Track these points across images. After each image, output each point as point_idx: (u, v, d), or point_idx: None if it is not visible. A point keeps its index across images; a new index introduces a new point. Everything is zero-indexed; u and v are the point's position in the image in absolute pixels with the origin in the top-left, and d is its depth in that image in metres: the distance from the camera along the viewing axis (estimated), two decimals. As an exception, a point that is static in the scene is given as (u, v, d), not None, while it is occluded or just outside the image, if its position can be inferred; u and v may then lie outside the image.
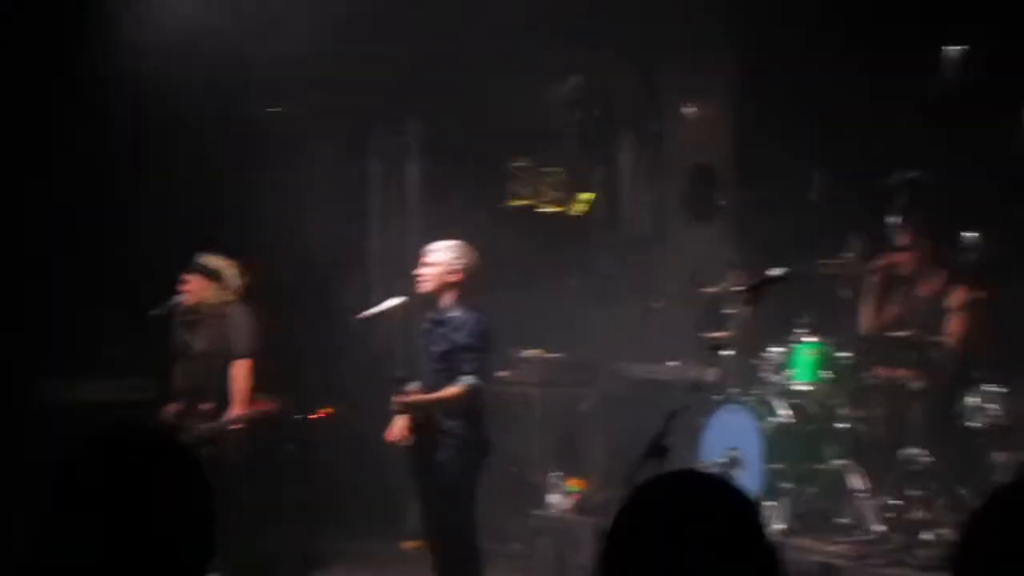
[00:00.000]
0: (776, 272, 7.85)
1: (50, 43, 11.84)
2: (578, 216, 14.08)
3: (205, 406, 10.31)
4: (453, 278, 9.30)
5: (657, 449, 7.17)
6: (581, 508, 11.11)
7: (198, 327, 10.52)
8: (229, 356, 10.35)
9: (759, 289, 7.77)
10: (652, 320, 11.90)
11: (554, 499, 11.31)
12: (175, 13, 11.32)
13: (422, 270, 9.34)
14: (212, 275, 10.48)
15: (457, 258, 9.31)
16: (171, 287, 10.57)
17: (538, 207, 14.40)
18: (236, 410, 10.24)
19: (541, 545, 11.11)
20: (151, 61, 11.26)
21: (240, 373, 10.31)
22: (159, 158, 12.21)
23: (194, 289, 10.46)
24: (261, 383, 10.37)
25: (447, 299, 9.32)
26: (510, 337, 11.70)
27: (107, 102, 11.81)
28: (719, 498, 3.26)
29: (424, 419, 9.19)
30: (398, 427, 9.29)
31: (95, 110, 11.82)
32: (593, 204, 13.94)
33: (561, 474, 11.48)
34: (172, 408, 10.49)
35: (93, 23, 11.65)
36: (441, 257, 9.30)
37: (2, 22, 11.62)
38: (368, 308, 9.93)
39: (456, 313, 9.27)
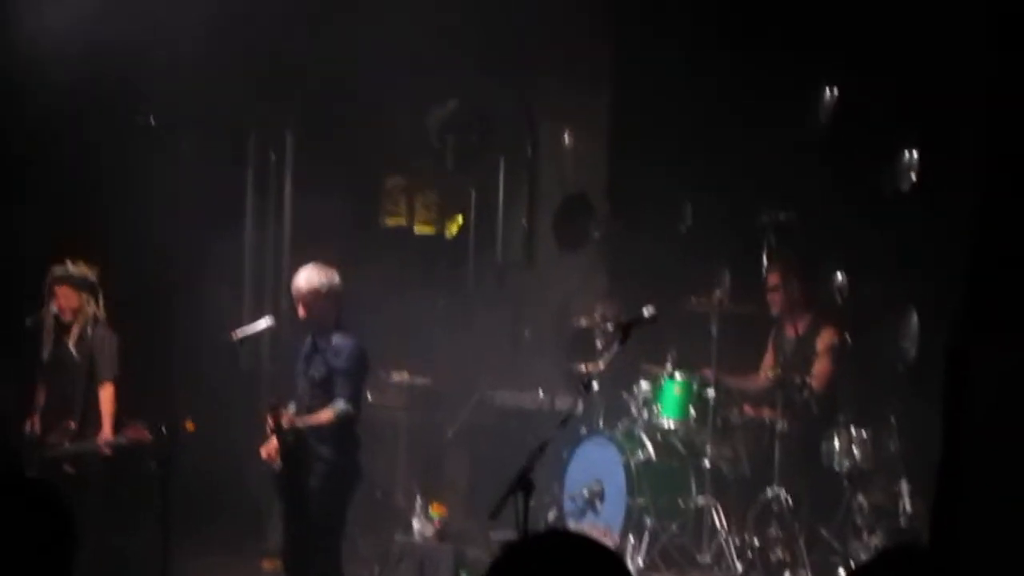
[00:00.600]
0: (648, 312, 7.89)
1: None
2: (451, 238, 14.07)
3: (70, 424, 10.16)
4: (330, 303, 9.29)
5: (523, 483, 7.16)
6: (443, 534, 11.07)
7: (66, 342, 10.36)
8: (96, 376, 10.21)
9: (630, 327, 7.79)
10: (521, 348, 11.88)
11: (417, 525, 11.26)
12: (56, 20, 11.15)
13: (300, 295, 9.29)
14: (82, 285, 10.32)
15: (331, 282, 9.29)
16: (37, 296, 10.42)
17: (413, 227, 14.39)
18: (105, 435, 10.12)
19: (403, 570, 11.06)
20: (31, 65, 11.08)
21: (107, 395, 10.19)
22: (33, 163, 12.00)
23: (65, 303, 10.29)
24: (128, 403, 10.24)
25: (325, 323, 9.31)
26: (379, 358, 11.66)
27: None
28: (589, 564, 3.27)
29: (295, 442, 9.13)
30: (272, 445, 9.22)
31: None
32: (464, 226, 13.93)
33: (425, 500, 11.43)
34: (35, 423, 10.32)
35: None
36: (316, 282, 9.26)
37: None
38: (240, 326, 9.83)
39: (335, 338, 9.27)
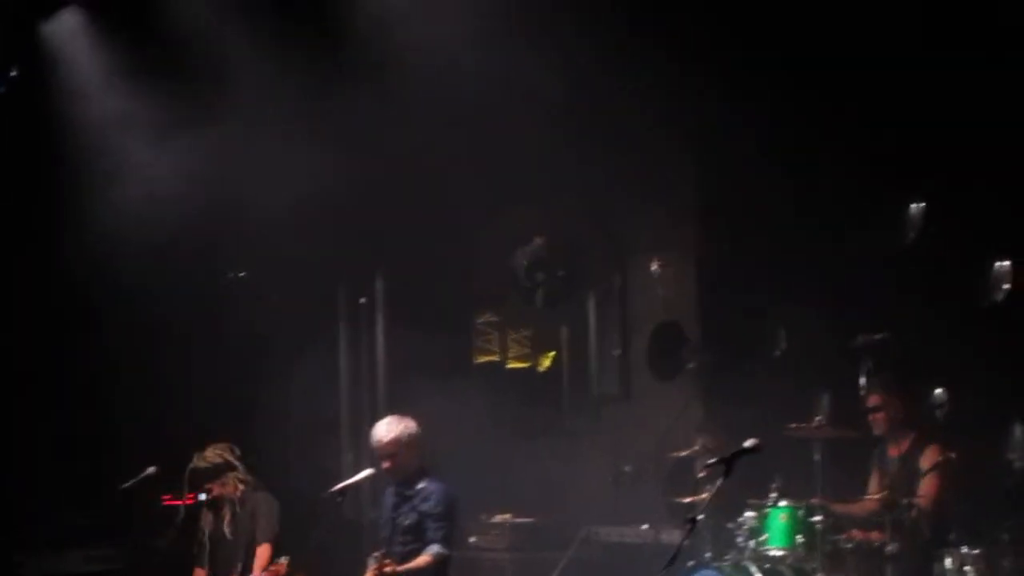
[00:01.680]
0: (748, 444, 7.80)
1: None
2: (546, 373, 14.08)
3: None
4: (412, 451, 9.48)
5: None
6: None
7: (223, 513, 10.56)
8: (255, 540, 10.40)
9: (734, 460, 7.71)
10: (622, 482, 11.80)
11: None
12: (147, 183, 11.38)
13: (381, 448, 9.41)
14: (215, 472, 10.50)
15: (409, 431, 9.44)
16: (138, 458, 10.58)
17: (506, 364, 14.43)
18: None
19: None
20: (122, 233, 11.31)
21: (265, 554, 10.32)
22: (125, 327, 12.20)
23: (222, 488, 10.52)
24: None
25: (409, 471, 9.41)
26: (479, 500, 11.66)
27: (76, 270, 11.84)
28: None
29: None
30: None
31: (65, 278, 11.84)
32: (557, 361, 13.94)
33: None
34: None
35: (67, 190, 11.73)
36: (395, 433, 9.40)
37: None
38: (342, 474, 9.98)
39: (423, 485, 9.45)
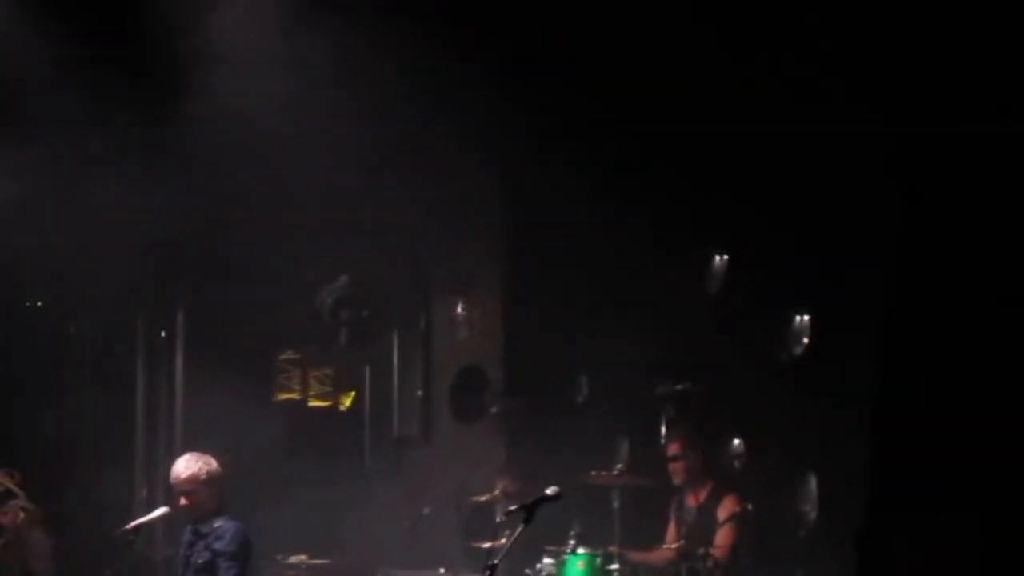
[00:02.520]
0: (549, 491, 7.80)
1: None
2: (346, 411, 13.98)
3: None
4: (210, 489, 9.33)
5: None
6: None
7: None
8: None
9: (535, 507, 7.70)
10: (421, 525, 11.72)
11: None
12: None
13: (179, 484, 9.29)
14: (7, 496, 10.32)
15: (209, 468, 9.34)
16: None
17: (307, 402, 14.31)
18: None
19: None
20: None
21: None
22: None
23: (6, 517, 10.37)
24: None
25: (206, 510, 9.31)
26: (276, 540, 11.50)
27: None
28: None
29: None
30: None
31: None
32: (359, 401, 13.86)
33: None
34: None
35: None
36: (193, 469, 9.27)
37: None
38: (135, 512, 9.81)
39: (218, 523, 9.35)
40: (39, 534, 10.42)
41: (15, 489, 10.40)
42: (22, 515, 10.37)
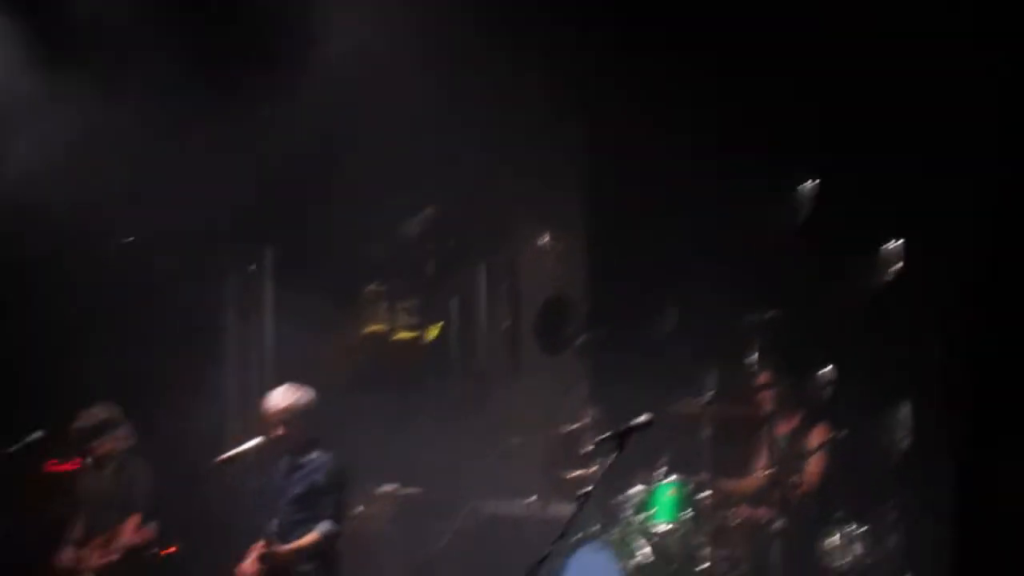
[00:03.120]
0: (640, 419, 7.76)
1: None
2: (433, 344, 14.00)
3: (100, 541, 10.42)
4: (305, 420, 9.42)
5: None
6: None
7: (103, 473, 10.58)
8: (129, 505, 10.38)
9: (627, 435, 7.68)
10: (509, 455, 11.76)
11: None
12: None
13: (275, 415, 9.33)
14: (100, 429, 10.49)
15: (305, 400, 9.36)
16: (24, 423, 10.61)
17: (393, 334, 14.34)
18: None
19: None
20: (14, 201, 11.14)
21: (133, 523, 10.34)
22: (13, 291, 12.02)
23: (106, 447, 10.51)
24: None
25: (301, 441, 9.32)
26: (366, 471, 11.56)
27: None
28: None
29: (280, 565, 9.20)
30: (249, 564, 9.27)
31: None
32: (445, 333, 13.87)
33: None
34: (69, 555, 10.51)
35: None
36: (289, 401, 9.32)
37: None
38: (227, 447, 9.89)
39: (314, 454, 9.38)
40: (140, 463, 10.57)
41: (116, 420, 10.55)
42: (123, 445, 10.53)
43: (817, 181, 10.98)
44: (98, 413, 10.54)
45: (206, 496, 11.59)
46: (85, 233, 12.11)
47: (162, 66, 11.33)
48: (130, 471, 10.51)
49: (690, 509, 10.17)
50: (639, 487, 10.38)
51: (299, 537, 9.23)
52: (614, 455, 7.31)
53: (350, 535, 10.11)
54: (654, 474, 10.30)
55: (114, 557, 10.18)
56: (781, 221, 11.07)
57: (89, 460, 10.67)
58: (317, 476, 9.35)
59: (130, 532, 10.30)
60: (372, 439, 11.63)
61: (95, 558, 10.28)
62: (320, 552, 9.27)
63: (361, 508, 11.98)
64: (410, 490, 12.38)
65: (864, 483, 9.95)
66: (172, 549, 10.32)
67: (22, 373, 11.92)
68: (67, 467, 11.40)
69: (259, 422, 9.94)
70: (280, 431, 9.38)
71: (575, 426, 11.09)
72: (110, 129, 11.37)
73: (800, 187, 11.06)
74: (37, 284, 12.05)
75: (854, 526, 9.52)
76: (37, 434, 10.74)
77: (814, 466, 10.05)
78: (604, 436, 7.48)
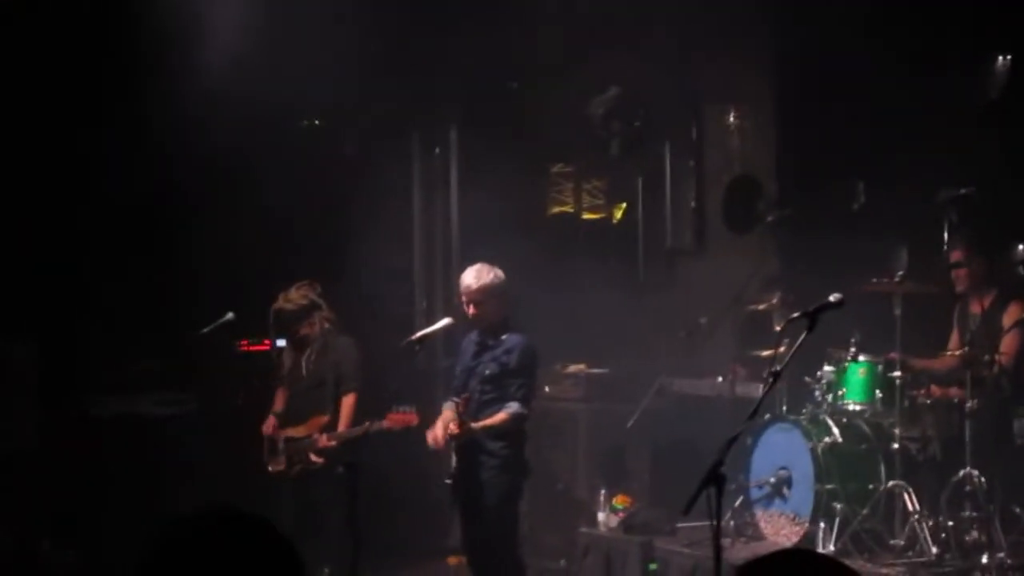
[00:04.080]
0: (832, 298, 7.71)
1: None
2: (619, 225, 14.02)
3: (320, 421, 10.62)
4: (499, 300, 9.43)
5: (715, 477, 7.01)
6: (627, 526, 11.01)
7: (306, 354, 10.77)
8: (341, 387, 10.58)
9: (817, 314, 7.63)
10: (697, 334, 11.75)
11: (602, 516, 11.22)
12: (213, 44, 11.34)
13: (469, 294, 9.39)
14: (301, 313, 10.68)
15: (499, 279, 9.39)
16: (215, 304, 11.01)
17: (580, 215, 14.40)
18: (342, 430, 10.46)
19: (590, 563, 11.04)
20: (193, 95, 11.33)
21: (349, 404, 10.55)
22: (203, 174, 12.23)
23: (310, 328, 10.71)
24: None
25: (495, 321, 9.40)
26: (553, 350, 11.65)
27: (152, 129, 11.83)
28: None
29: (469, 439, 9.28)
30: (439, 431, 9.39)
31: (145, 138, 11.84)
32: (631, 212, 13.86)
33: (609, 491, 11.36)
34: (271, 426, 10.77)
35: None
36: (484, 280, 9.36)
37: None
38: (414, 325, 10.01)
39: (505, 336, 9.44)
40: (346, 339, 10.72)
41: (318, 300, 10.70)
42: (327, 325, 10.69)
43: (1009, 57, 10.70)
44: (297, 297, 10.67)
45: (400, 375, 11.82)
46: (272, 115, 12.30)
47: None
48: (336, 349, 10.67)
49: (881, 389, 10.11)
50: (829, 367, 10.33)
51: (489, 416, 9.31)
52: (804, 334, 7.27)
53: (539, 414, 10.23)
54: (844, 354, 10.24)
55: (352, 437, 10.27)
56: (976, 95, 10.83)
57: (282, 344, 10.85)
58: (508, 357, 9.36)
59: (349, 412, 10.44)
60: (560, 318, 11.71)
61: (324, 439, 10.41)
62: (508, 432, 9.33)
63: (548, 388, 12.11)
64: (597, 369, 12.46)
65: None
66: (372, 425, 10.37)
67: (213, 253, 12.17)
68: (258, 347, 11.67)
69: (446, 302, 10.05)
70: (472, 310, 9.42)
71: (763, 305, 11.05)
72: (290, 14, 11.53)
73: (995, 62, 10.80)
74: (232, 170, 12.26)
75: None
76: (229, 316, 10.99)
77: (1008, 345, 9.90)
78: (794, 315, 7.44)
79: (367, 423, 9.89)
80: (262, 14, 11.46)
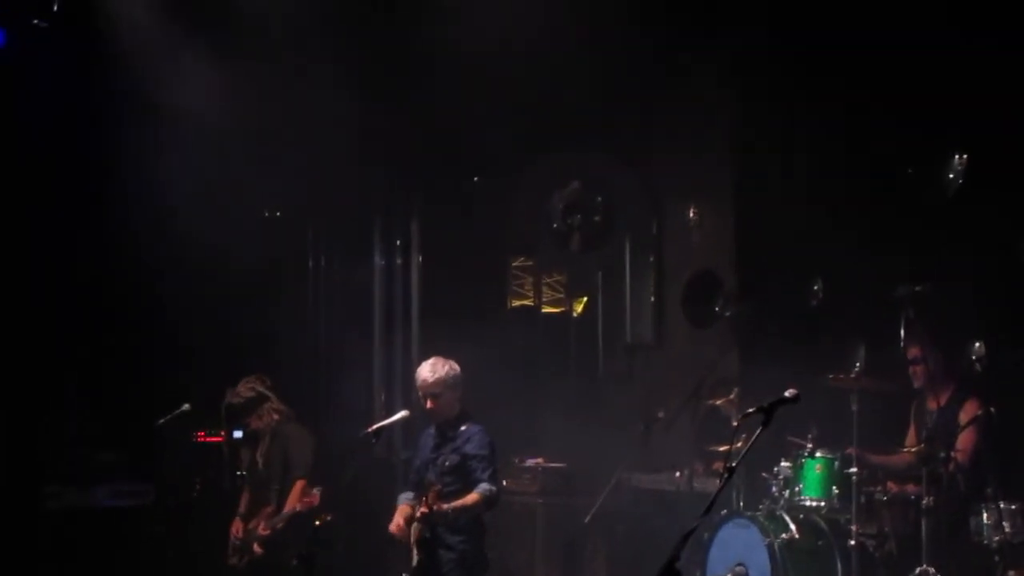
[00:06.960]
0: (787, 394, 7.70)
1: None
2: (579, 319, 14.03)
3: (267, 515, 10.68)
4: (455, 393, 9.50)
5: (671, 573, 6.95)
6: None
7: (259, 447, 10.84)
8: (290, 473, 10.65)
9: (773, 410, 7.63)
10: (655, 429, 11.73)
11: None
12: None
13: (426, 388, 9.41)
14: (251, 405, 10.71)
15: (454, 372, 9.46)
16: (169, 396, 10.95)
17: (540, 308, 14.41)
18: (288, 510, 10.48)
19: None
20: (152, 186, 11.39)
21: (296, 490, 10.59)
22: (159, 264, 12.24)
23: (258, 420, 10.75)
24: None
25: (451, 413, 9.45)
26: (511, 443, 11.63)
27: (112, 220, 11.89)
28: None
29: (429, 533, 9.26)
30: (400, 522, 9.43)
31: (104, 229, 11.91)
32: (591, 307, 13.89)
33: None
34: (236, 527, 10.91)
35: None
36: (439, 374, 9.40)
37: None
38: (373, 417, 10.02)
39: (463, 427, 9.51)
40: (296, 427, 10.75)
41: (267, 392, 10.72)
42: (276, 416, 10.71)
43: (964, 155, 10.79)
44: (244, 391, 10.71)
45: (356, 467, 11.76)
46: (232, 203, 12.32)
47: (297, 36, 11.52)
48: (284, 438, 10.70)
49: (837, 485, 10.09)
50: (786, 463, 10.32)
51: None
52: (760, 430, 7.25)
53: (497, 508, 10.17)
54: (801, 450, 10.23)
55: (279, 526, 10.32)
56: (931, 192, 10.91)
57: (239, 435, 10.87)
58: (469, 447, 9.41)
59: (295, 498, 10.45)
60: (518, 412, 11.70)
61: (261, 528, 10.46)
62: (466, 521, 9.31)
63: (506, 482, 12.05)
64: (555, 464, 12.42)
65: (1015, 459, 9.78)
66: (328, 517, 10.41)
67: (167, 345, 12.15)
68: (215, 439, 11.65)
69: (404, 395, 10.05)
70: (429, 404, 9.45)
71: (721, 400, 11.05)
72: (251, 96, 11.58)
73: (951, 160, 10.88)
74: (191, 260, 12.27)
75: (1004, 503, 9.36)
76: (185, 407, 11.00)
77: (964, 442, 9.90)
78: (750, 411, 7.42)
79: (290, 509, 10.05)
80: (229, 101, 11.54)
